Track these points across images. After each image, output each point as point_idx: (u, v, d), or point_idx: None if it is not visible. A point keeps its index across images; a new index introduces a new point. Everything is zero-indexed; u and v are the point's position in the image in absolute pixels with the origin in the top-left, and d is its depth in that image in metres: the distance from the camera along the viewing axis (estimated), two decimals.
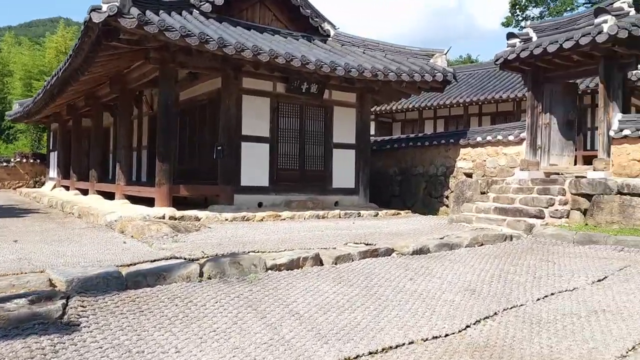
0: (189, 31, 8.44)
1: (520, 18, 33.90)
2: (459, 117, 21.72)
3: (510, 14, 34.90)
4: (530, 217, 8.82)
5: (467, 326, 3.96)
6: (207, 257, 5.52)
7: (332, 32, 12.37)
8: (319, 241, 7.27)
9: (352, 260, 6.13)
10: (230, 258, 5.35)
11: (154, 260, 5.36)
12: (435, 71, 11.41)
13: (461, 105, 20.64)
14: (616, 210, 8.56)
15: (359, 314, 4.18)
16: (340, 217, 10.68)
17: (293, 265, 5.63)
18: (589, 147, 17.99)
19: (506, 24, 34.86)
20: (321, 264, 5.92)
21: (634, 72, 11.97)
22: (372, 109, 23.13)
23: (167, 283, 4.68)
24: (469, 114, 21.41)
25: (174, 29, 8.26)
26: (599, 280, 5.55)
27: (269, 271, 5.38)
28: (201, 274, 4.94)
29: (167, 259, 5.42)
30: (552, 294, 5.02)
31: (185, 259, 5.42)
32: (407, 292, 4.93)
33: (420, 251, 6.88)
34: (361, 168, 12.46)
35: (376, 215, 11.19)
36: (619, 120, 9.59)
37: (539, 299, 4.84)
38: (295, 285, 4.93)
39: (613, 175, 9.40)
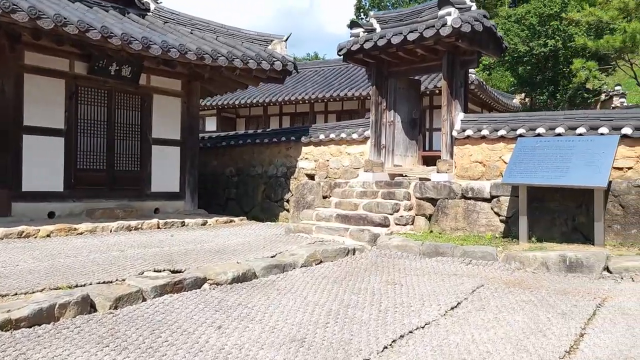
0: None
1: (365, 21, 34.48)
2: (304, 114, 20.87)
3: (355, 17, 35.42)
4: (375, 225, 7.84)
5: None
6: None
7: (152, 7, 10.36)
8: (110, 268, 5.41)
9: (143, 300, 4.41)
10: None
11: None
12: (274, 59, 10.05)
13: (307, 101, 19.80)
14: (461, 215, 7.95)
15: None
16: (158, 227, 8.79)
17: (43, 318, 3.74)
18: (427, 148, 18.26)
19: (350, 26, 35.20)
20: (93, 310, 4.10)
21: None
22: (214, 103, 21.38)
23: None
24: (314, 112, 20.67)
25: None
26: (452, 309, 4.54)
27: None
28: None
29: None
30: (402, 336, 3.83)
31: None
32: (209, 351, 3.37)
33: (243, 278, 5.38)
34: (188, 168, 10.65)
35: (204, 224, 9.50)
36: (461, 120, 9.10)
37: (385, 348, 3.60)
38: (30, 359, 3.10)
39: (456, 177, 8.86)
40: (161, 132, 10.17)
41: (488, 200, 7.74)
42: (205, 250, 6.73)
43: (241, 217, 10.47)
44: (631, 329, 3.88)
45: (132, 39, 7.89)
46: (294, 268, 6.01)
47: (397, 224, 8.06)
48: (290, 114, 21.64)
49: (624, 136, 6.94)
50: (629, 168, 7.18)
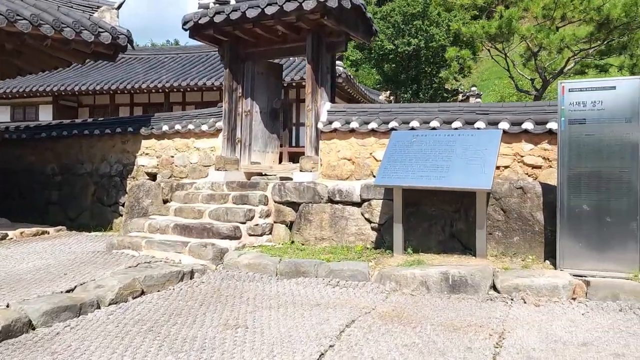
0: None
1: None
2: (159, 104, 18.55)
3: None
4: (223, 237, 6.28)
5: None
6: None
7: None
8: None
9: None
10: None
11: None
12: (100, 29, 8.00)
13: (161, 90, 17.59)
14: (327, 223, 6.71)
15: None
16: None
17: None
18: (294, 144, 17.08)
19: None
20: None
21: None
22: (49, 88, 18.12)
23: None
24: (170, 102, 18.48)
25: None
26: None
27: None
28: None
29: None
30: None
31: None
32: None
33: (8, 333, 3.55)
34: None
35: (3, 238, 7.22)
36: (328, 111, 7.89)
37: None
38: None
39: (322, 177, 7.64)
40: None
41: (358, 205, 6.59)
42: None
43: (59, 227, 8.26)
44: None
45: None
46: (98, 308, 4.26)
47: (251, 235, 6.59)
48: (143, 105, 19.21)
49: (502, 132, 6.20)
50: (506, 167, 6.46)
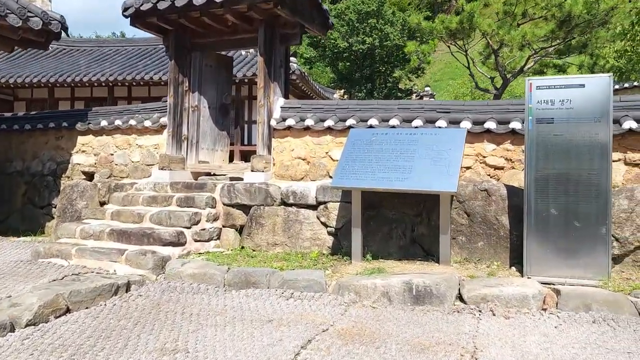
0: None
1: None
2: (102, 99, 17.49)
3: None
4: (165, 244, 5.70)
5: None
6: None
7: None
8: None
9: None
10: None
11: None
12: (29, 14, 7.22)
13: (104, 84, 16.57)
14: (281, 227, 6.23)
15: None
16: None
17: None
18: (246, 142, 16.48)
19: None
20: None
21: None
22: None
23: None
24: (115, 97, 17.46)
25: None
26: None
27: None
28: None
29: None
30: None
31: None
32: None
33: None
34: None
35: None
36: (281, 107, 7.42)
37: None
38: None
39: (275, 177, 7.17)
40: None
41: (314, 208, 6.15)
42: None
43: None
44: None
45: None
46: (11, 331, 3.63)
47: (196, 241, 6.04)
48: (85, 99, 18.06)
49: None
50: (468, 168, 6.19)
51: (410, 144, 5.32)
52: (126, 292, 4.76)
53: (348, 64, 26.19)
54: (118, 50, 19.17)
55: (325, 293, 4.73)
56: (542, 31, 12.91)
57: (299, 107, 7.36)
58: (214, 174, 7.92)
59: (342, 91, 27.98)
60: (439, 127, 5.99)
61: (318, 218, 6.09)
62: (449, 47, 15.11)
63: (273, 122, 7.23)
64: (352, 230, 5.50)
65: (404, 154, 5.25)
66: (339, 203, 5.97)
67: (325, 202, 6.05)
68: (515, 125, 5.83)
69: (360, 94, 25.81)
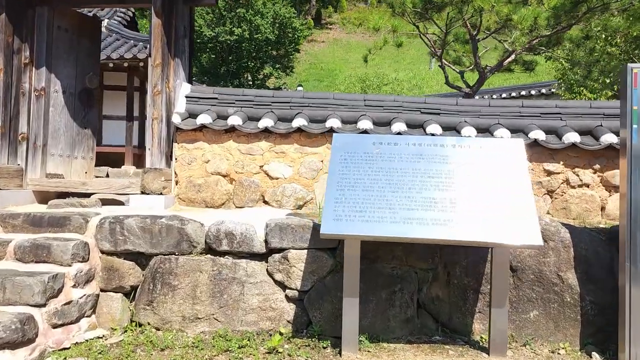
0: None
1: None
2: None
3: None
4: None
5: None
6: None
7: None
8: None
9: None
10: None
11: None
12: None
13: None
14: (206, 290, 3.80)
15: None
16: None
17: None
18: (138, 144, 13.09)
19: None
20: None
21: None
22: None
23: None
24: None
25: None
26: None
27: None
28: None
29: None
30: None
31: None
32: None
33: None
34: None
35: None
36: (187, 97, 4.99)
37: None
38: None
39: (179, 203, 4.72)
40: None
41: (262, 258, 3.84)
42: None
43: None
44: None
45: None
46: None
47: (57, 326, 3.37)
48: None
49: None
50: None
51: (441, 161, 3.33)
52: None
53: (213, 56, 23.49)
54: None
55: None
56: (546, 14, 10.64)
57: (216, 98, 4.98)
58: (73, 196, 5.13)
59: (204, 86, 25.19)
60: (468, 137, 4.13)
61: (271, 275, 3.79)
62: (418, 28, 11.93)
63: (176, 119, 4.75)
64: (344, 301, 3.34)
65: (433, 178, 3.25)
66: (305, 251, 3.76)
67: (282, 249, 3.78)
68: (610, 138, 4.29)
69: None
